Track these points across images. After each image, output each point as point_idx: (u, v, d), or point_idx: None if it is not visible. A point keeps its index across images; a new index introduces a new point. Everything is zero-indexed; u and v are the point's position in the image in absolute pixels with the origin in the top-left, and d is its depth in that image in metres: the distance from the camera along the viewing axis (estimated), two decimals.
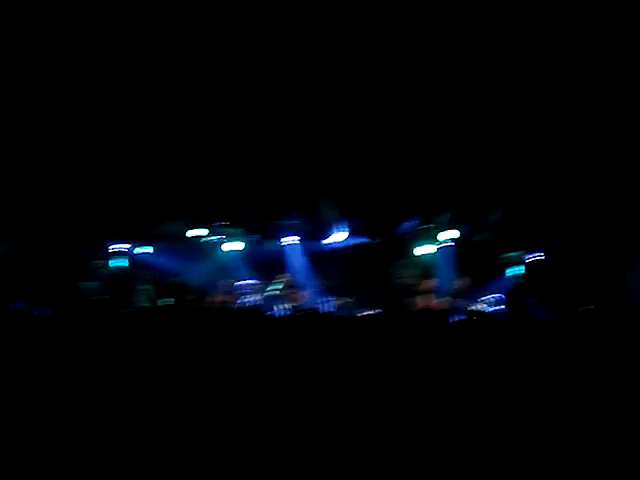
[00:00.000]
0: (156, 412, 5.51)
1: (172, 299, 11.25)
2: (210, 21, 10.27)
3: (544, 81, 10.77)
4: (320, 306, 11.08)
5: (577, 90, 10.66)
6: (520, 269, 12.12)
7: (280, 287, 12.13)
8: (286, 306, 11.46)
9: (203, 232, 12.69)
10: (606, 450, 4.90)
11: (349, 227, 12.72)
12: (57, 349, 6.81)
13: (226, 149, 11.67)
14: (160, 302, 11.37)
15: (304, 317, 9.51)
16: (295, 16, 10.19)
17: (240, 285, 12.26)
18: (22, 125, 10.80)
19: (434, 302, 11.24)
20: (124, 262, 12.19)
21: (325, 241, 12.84)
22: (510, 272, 12.03)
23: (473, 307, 11.21)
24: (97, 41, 10.21)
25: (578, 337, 6.99)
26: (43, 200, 11.46)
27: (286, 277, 12.30)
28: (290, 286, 12.21)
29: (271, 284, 12.23)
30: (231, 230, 12.86)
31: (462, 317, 10.12)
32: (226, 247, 12.71)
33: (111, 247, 12.12)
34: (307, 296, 12.05)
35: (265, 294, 12.09)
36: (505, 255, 12.13)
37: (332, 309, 11.46)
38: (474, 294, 11.57)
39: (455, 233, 12.36)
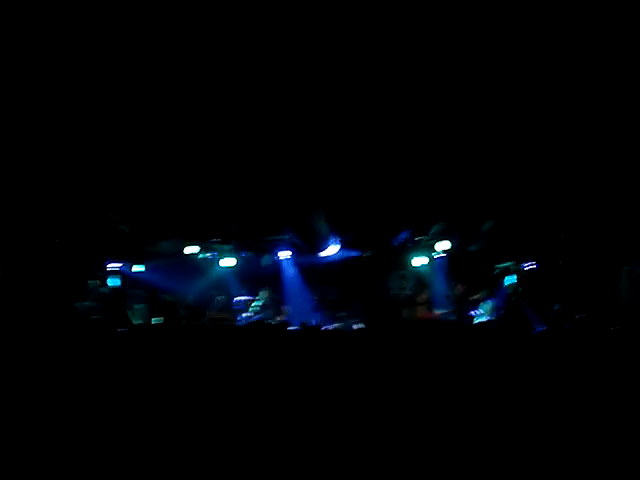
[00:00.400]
0: (153, 427, 5.52)
1: (163, 317, 11.22)
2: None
3: (536, 93, 10.82)
4: (310, 320, 11.07)
5: (568, 101, 10.73)
6: (512, 278, 12.14)
7: (262, 302, 12.24)
8: (271, 320, 11.54)
9: (196, 249, 12.71)
10: (602, 452, 4.92)
11: (341, 240, 12.74)
12: (55, 368, 6.81)
13: (218, 166, 11.68)
14: (153, 320, 11.37)
15: (298, 332, 9.54)
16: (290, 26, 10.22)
17: (235, 301, 12.32)
18: (23, 143, 10.82)
19: (431, 313, 11.27)
20: (117, 281, 12.18)
21: (318, 255, 12.86)
22: (506, 281, 12.06)
23: (470, 316, 11.24)
24: (95, 50, 10.22)
25: (572, 345, 7.03)
26: (38, 220, 11.45)
27: (267, 292, 12.37)
28: (273, 300, 12.31)
29: (255, 300, 12.34)
30: (224, 246, 12.90)
31: (459, 326, 10.18)
32: (222, 263, 12.78)
33: (106, 266, 12.14)
34: (289, 310, 12.13)
35: (251, 309, 12.19)
36: (499, 265, 12.16)
37: (324, 322, 11.48)
38: (469, 303, 11.60)
39: (447, 244, 12.38)
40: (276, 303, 12.37)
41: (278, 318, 11.78)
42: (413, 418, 5.60)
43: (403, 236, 12.47)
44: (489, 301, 11.44)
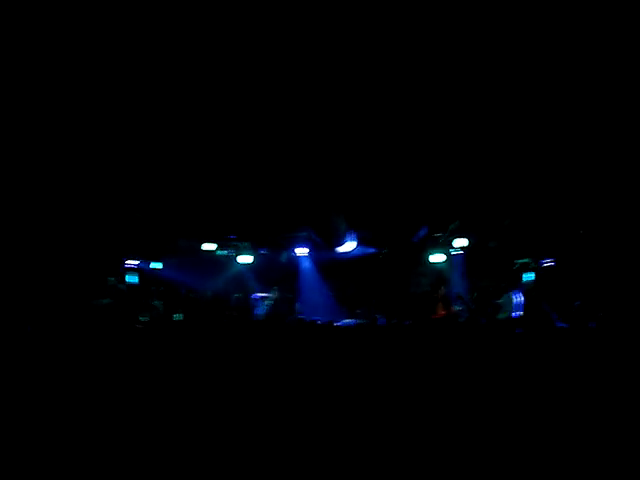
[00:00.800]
0: (167, 422, 5.52)
1: (181, 314, 11.25)
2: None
3: (550, 88, 10.76)
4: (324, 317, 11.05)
5: (583, 96, 10.67)
6: (531, 276, 12.09)
7: (272, 301, 12.25)
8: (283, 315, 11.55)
9: (213, 246, 12.74)
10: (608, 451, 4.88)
11: (358, 237, 12.73)
12: (73, 365, 6.84)
13: (235, 164, 11.70)
14: (174, 317, 11.41)
15: (317, 327, 9.54)
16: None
17: (253, 297, 12.33)
18: (32, 142, 10.86)
19: (451, 309, 11.23)
20: (135, 279, 12.21)
21: (335, 251, 12.85)
22: (524, 278, 12.00)
23: (489, 312, 11.18)
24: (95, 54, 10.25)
25: (596, 342, 6.99)
26: (57, 217, 11.49)
27: (276, 291, 12.37)
28: (283, 299, 12.31)
29: (268, 296, 12.36)
30: (241, 243, 12.93)
31: (478, 322, 10.13)
32: (240, 260, 12.80)
33: (124, 263, 12.17)
34: (300, 308, 12.14)
35: (265, 305, 12.22)
36: (517, 261, 12.11)
37: (341, 318, 11.45)
38: (489, 300, 11.54)
39: (465, 241, 12.35)
40: (287, 302, 12.36)
41: (290, 314, 11.78)
42: (427, 414, 5.59)
43: (421, 233, 12.44)
44: (510, 295, 11.38)
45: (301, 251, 12.83)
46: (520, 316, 10.55)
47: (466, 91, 10.66)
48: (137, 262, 12.38)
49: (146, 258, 12.43)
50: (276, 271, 12.92)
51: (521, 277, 11.91)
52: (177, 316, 11.18)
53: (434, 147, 11.61)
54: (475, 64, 10.30)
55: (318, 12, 9.58)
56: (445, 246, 12.55)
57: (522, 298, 10.87)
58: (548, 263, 12.13)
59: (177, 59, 10.33)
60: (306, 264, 12.91)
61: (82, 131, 11.01)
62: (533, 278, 11.99)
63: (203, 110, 11.17)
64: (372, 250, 13.01)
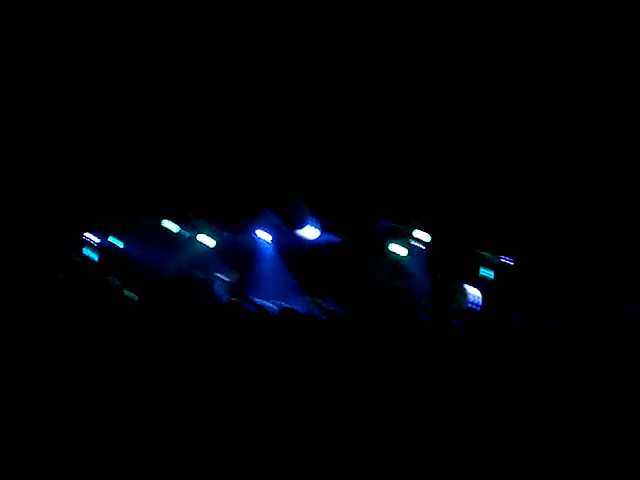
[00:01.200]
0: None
1: (135, 295, 11.15)
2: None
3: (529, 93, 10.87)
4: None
5: (560, 102, 10.79)
6: (490, 273, 12.18)
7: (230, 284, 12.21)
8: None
9: (175, 225, 12.62)
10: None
11: (321, 224, 12.71)
12: (26, 341, 6.73)
13: (201, 144, 11.64)
14: (124, 292, 11.30)
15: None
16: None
17: (212, 279, 12.25)
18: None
19: (407, 301, 11.30)
20: (93, 255, 12.07)
21: (297, 235, 12.80)
22: (481, 272, 12.08)
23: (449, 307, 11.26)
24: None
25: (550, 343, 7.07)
26: (15, 190, 11.33)
27: (235, 274, 12.33)
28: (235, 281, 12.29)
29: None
30: (203, 224, 12.81)
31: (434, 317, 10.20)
32: (200, 239, 12.67)
33: (83, 238, 12.02)
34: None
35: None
36: (479, 252, 12.18)
37: (300, 306, 11.43)
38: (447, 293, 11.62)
39: (426, 235, 12.40)
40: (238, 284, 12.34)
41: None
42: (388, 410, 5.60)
43: (384, 224, 12.46)
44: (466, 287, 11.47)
45: (262, 234, 12.75)
46: (472, 311, 10.66)
47: (439, 88, 10.71)
48: (97, 239, 12.24)
49: (106, 233, 12.29)
50: (237, 253, 12.85)
51: (478, 270, 12.00)
52: (129, 293, 11.07)
53: (403, 141, 11.66)
54: (447, 67, 10.35)
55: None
56: (408, 238, 12.58)
57: (478, 293, 10.99)
58: (506, 260, 12.23)
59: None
60: (267, 248, 12.86)
61: (47, 105, 10.89)
62: (492, 275, 12.08)
63: (172, 95, 11.12)
64: (337, 239, 12.98)
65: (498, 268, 12.18)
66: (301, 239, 12.79)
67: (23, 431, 5.12)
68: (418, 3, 9.96)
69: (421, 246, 12.46)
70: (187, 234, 12.75)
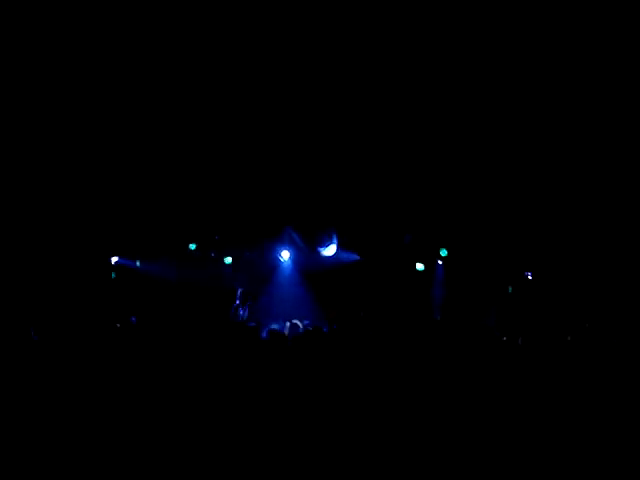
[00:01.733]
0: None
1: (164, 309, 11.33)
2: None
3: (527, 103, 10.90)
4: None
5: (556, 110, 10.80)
6: (443, 251, 12.34)
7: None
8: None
9: (196, 246, 12.84)
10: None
11: (339, 241, 12.79)
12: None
13: (219, 165, 11.80)
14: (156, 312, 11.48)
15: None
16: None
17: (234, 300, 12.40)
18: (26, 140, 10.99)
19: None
20: (119, 275, 12.37)
21: (316, 253, 12.90)
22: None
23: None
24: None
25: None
26: (40, 214, 11.59)
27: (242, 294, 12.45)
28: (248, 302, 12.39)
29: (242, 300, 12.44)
30: (223, 244, 12.98)
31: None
32: (226, 261, 12.88)
33: (111, 260, 12.32)
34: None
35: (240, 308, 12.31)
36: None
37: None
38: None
39: (443, 251, 12.49)
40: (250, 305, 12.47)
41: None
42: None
43: (406, 240, 12.50)
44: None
45: (283, 253, 12.89)
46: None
47: (443, 97, 10.74)
48: (121, 259, 12.53)
49: (131, 256, 12.58)
50: (258, 274, 12.99)
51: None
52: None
53: (421, 157, 11.72)
54: (449, 79, 10.39)
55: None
56: (427, 254, 12.64)
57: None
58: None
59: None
60: (287, 267, 12.98)
61: (72, 128, 11.12)
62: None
63: (192, 109, 11.28)
64: (355, 256, 13.04)
65: (517, 282, 12.22)
66: (321, 257, 12.90)
67: (23, 432, 5.28)
68: (418, 3, 10.01)
69: (440, 261, 12.55)
70: (209, 255, 12.95)
